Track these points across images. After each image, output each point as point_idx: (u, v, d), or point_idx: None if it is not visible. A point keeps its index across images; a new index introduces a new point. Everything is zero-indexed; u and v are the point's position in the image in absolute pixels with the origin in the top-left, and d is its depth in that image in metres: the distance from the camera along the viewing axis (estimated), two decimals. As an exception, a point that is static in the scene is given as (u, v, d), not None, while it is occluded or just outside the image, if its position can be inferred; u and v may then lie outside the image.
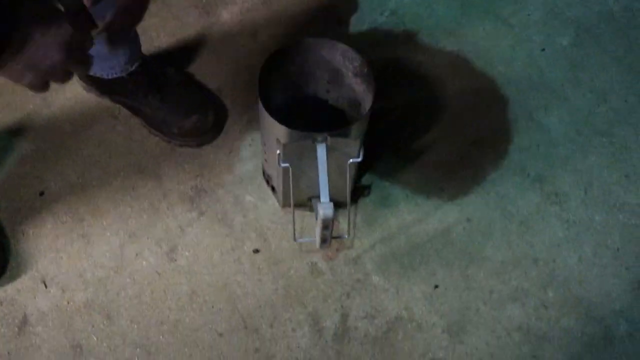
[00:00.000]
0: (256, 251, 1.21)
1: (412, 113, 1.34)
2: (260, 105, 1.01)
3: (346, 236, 1.20)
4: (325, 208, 1.00)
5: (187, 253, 1.20)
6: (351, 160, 1.06)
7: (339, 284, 1.18)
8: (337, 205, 1.10)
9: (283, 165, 1.04)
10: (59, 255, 1.20)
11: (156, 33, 1.40)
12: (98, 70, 1.18)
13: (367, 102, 1.07)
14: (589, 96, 1.38)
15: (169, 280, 1.18)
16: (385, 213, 1.25)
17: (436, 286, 1.19)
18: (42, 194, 1.24)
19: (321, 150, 1.00)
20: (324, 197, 1.00)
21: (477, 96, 1.36)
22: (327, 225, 1.03)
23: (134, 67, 1.19)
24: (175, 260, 1.19)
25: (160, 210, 1.24)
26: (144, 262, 1.19)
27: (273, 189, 1.24)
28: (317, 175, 1.00)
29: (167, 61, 1.36)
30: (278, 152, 1.03)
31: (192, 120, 1.26)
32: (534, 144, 1.32)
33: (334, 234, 1.14)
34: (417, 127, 1.33)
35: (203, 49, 1.40)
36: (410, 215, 1.25)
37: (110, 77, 1.19)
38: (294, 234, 1.14)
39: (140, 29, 1.37)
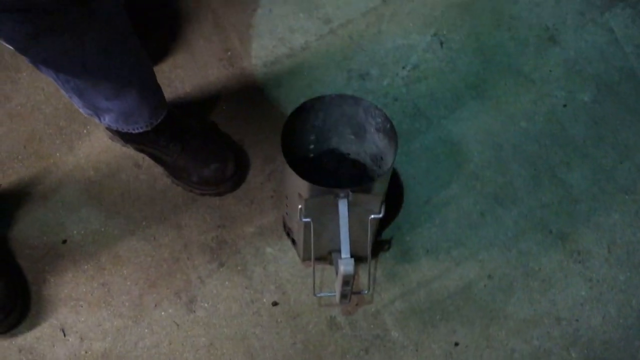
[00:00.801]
0: (275, 304, 1.20)
1: (433, 167, 1.35)
2: (284, 160, 1.02)
3: (366, 291, 1.19)
4: (346, 264, 0.99)
5: (206, 304, 1.20)
6: (372, 215, 1.06)
7: (357, 339, 1.17)
8: (358, 259, 1.09)
9: (305, 219, 1.04)
10: (79, 304, 1.20)
11: (181, 84, 1.43)
12: (123, 127, 1.20)
13: (389, 158, 1.08)
14: (611, 153, 1.37)
15: (188, 332, 1.17)
16: (406, 268, 1.24)
17: (456, 344, 1.17)
18: (64, 241, 1.25)
19: (343, 206, 1.00)
20: (345, 252, 1.00)
21: (499, 151, 1.36)
22: (347, 281, 1.03)
23: (158, 121, 1.21)
24: (194, 311, 1.19)
25: (180, 261, 1.24)
26: (163, 313, 1.19)
27: (294, 241, 1.24)
28: (338, 230, 1.00)
29: (191, 111, 1.38)
30: (300, 206, 1.03)
31: (211, 169, 1.27)
32: (556, 200, 1.32)
33: (354, 289, 1.13)
34: (438, 181, 1.33)
35: (227, 100, 1.42)
36: (430, 271, 1.24)
37: (135, 132, 1.21)
38: (314, 288, 1.14)
39: (165, 80, 1.40)
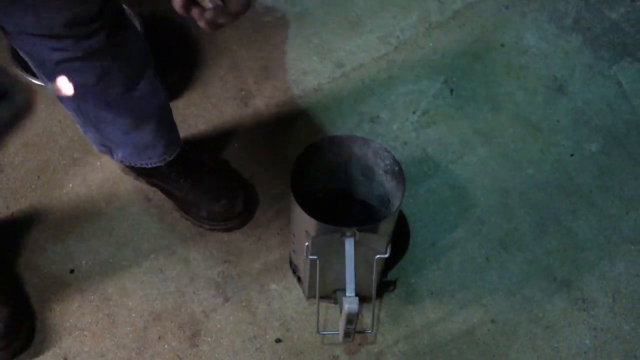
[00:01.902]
0: (278, 341, 1.20)
1: (440, 210, 1.36)
2: (293, 198, 1.04)
3: (369, 331, 1.19)
4: (350, 302, 1.00)
5: (209, 339, 1.20)
6: (378, 255, 1.07)
7: (359, 379, 1.17)
8: (362, 299, 1.10)
9: (311, 257, 1.05)
10: (83, 333, 1.20)
11: (194, 121, 1.46)
12: (137, 161, 1.22)
13: (396, 199, 1.10)
14: (617, 203, 1.38)
15: (190, 366, 1.18)
16: (410, 310, 1.24)
17: (459, 388, 1.17)
18: (72, 271, 1.27)
19: (349, 245, 1.01)
20: (350, 291, 1.01)
21: (506, 197, 1.38)
22: (351, 319, 1.03)
23: (172, 157, 1.24)
24: (197, 345, 1.19)
25: (186, 294, 1.25)
26: (166, 346, 1.19)
27: (299, 279, 1.24)
28: (344, 269, 1.01)
29: (203, 147, 1.41)
30: (307, 244, 1.04)
31: (220, 205, 1.29)
32: (561, 247, 1.32)
33: (358, 328, 1.13)
34: (444, 225, 1.34)
35: (239, 138, 1.45)
36: (434, 313, 1.24)
37: (149, 166, 1.23)
38: (318, 325, 1.14)
39: (180, 116, 1.43)
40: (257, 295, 1.25)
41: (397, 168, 1.09)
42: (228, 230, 1.32)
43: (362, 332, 1.20)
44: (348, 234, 1.01)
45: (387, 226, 1.06)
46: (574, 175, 1.42)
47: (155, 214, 1.34)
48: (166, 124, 1.20)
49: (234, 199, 1.30)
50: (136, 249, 1.30)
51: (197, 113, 1.47)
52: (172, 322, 1.22)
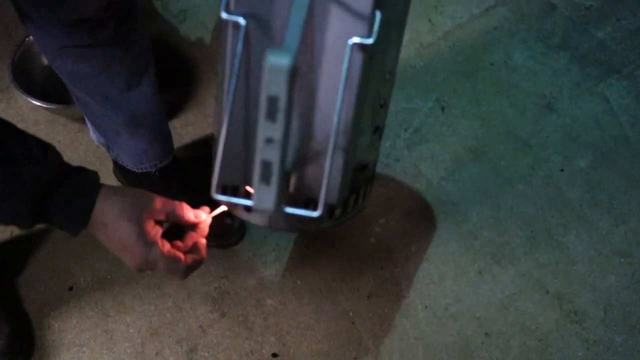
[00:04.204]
0: (275, 355, 1.22)
1: (432, 225, 1.38)
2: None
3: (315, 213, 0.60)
4: (278, 55, 0.48)
5: (206, 354, 1.22)
6: (356, 39, 0.54)
7: (355, 392, 1.18)
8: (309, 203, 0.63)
9: (230, 18, 0.55)
10: (82, 350, 1.22)
11: (191, 140, 1.48)
12: (129, 163, 1.24)
13: None
14: (607, 217, 1.41)
15: (187, 380, 1.19)
16: (404, 323, 1.26)
17: (453, 400, 1.18)
18: (71, 288, 1.28)
19: None
20: (289, 40, 0.52)
21: (497, 211, 1.40)
22: (275, 97, 0.49)
23: (163, 164, 1.25)
24: (195, 360, 1.21)
25: (183, 310, 1.26)
26: (164, 361, 1.21)
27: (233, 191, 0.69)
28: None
29: (199, 166, 1.43)
30: None
31: (217, 222, 1.31)
32: (553, 261, 1.34)
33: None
34: (437, 239, 1.36)
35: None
36: (428, 327, 1.26)
37: (139, 170, 1.24)
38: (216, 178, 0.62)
39: (176, 135, 1.45)
40: (254, 310, 1.26)
41: None
42: (224, 246, 1.34)
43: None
44: None
45: None
46: (564, 189, 1.44)
47: (152, 231, 1.36)
48: (160, 131, 1.22)
49: (231, 216, 1.32)
50: (134, 266, 1.31)
51: (193, 132, 1.50)
52: (169, 337, 1.23)
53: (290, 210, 0.58)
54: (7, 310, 1.21)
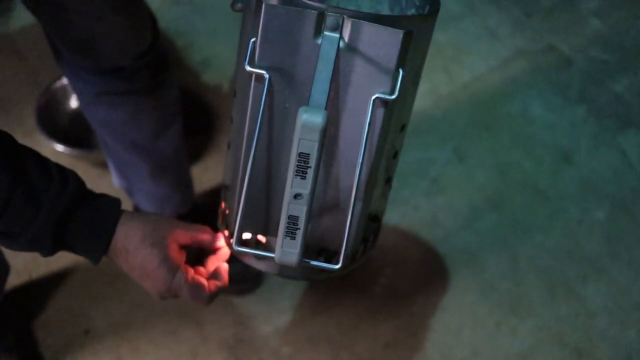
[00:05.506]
0: (289, 404, 1.20)
1: (450, 275, 1.37)
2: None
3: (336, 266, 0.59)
4: (312, 112, 0.52)
5: (220, 401, 1.21)
6: (379, 94, 0.55)
7: None
8: (329, 255, 0.64)
9: (254, 70, 0.54)
10: (96, 395, 1.21)
11: (210, 185, 1.50)
12: (150, 210, 1.25)
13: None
14: (626, 269, 1.39)
15: None
16: (421, 374, 1.24)
17: None
18: (87, 332, 1.28)
19: (329, 45, 0.53)
20: (317, 97, 0.54)
21: (515, 262, 1.39)
22: (307, 155, 0.52)
23: (183, 211, 1.27)
24: (209, 408, 1.20)
25: (198, 356, 1.26)
26: (178, 408, 1.20)
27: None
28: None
29: (218, 211, 1.44)
30: (252, 40, 0.55)
31: (235, 268, 1.31)
32: (572, 313, 1.33)
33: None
34: (455, 289, 1.35)
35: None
36: (445, 378, 1.24)
37: None
38: (236, 227, 0.59)
39: (196, 180, 1.47)
40: (269, 358, 1.26)
41: None
42: (241, 293, 1.34)
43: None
44: (330, 21, 0.53)
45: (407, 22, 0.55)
46: (582, 241, 1.43)
47: (169, 276, 1.36)
48: (183, 180, 1.24)
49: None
50: (149, 311, 1.31)
51: (212, 178, 1.52)
52: (184, 384, 1.22)
53: (313, 263, 0.58)
54: (24, 355, 1.21)
